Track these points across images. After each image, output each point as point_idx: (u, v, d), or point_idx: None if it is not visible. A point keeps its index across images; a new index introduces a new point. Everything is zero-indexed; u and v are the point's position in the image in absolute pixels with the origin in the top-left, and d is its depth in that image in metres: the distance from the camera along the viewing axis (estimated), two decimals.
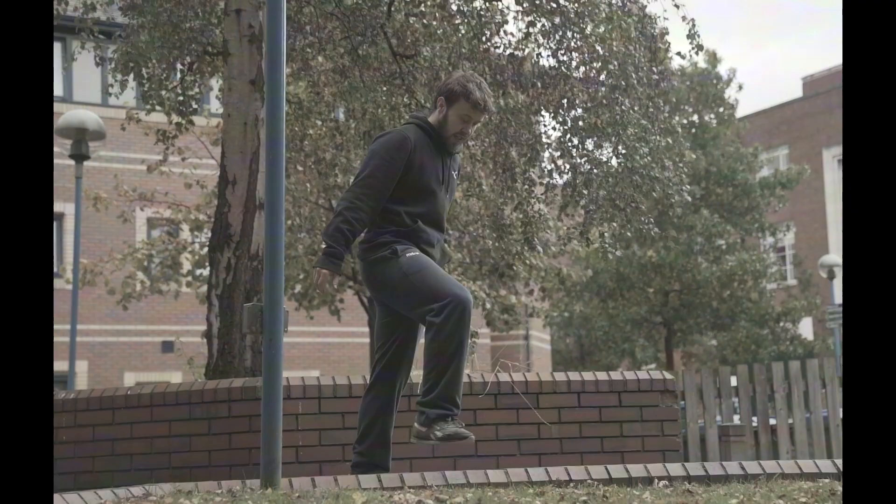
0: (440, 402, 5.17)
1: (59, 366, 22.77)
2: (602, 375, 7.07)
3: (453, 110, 5.48)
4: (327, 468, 6.30)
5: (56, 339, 22.56)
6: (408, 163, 5.42)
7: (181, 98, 11.73)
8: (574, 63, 11.25)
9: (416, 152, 5.45)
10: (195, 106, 12.04)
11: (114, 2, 11.94)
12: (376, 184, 5.40)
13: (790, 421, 9.74)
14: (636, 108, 11.05)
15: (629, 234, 11.93)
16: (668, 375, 7.20)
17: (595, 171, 11.48)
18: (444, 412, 5.15)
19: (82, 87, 23.72)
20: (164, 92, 11.65)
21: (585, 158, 11.58)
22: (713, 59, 30.32)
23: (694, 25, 11.40)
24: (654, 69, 11.54)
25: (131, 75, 11.64)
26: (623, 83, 10.87)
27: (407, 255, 5.36)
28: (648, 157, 11.01)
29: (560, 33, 11.00)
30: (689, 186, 12.73)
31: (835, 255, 34.98)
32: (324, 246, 5.38)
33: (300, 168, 16.06)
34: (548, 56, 11.39)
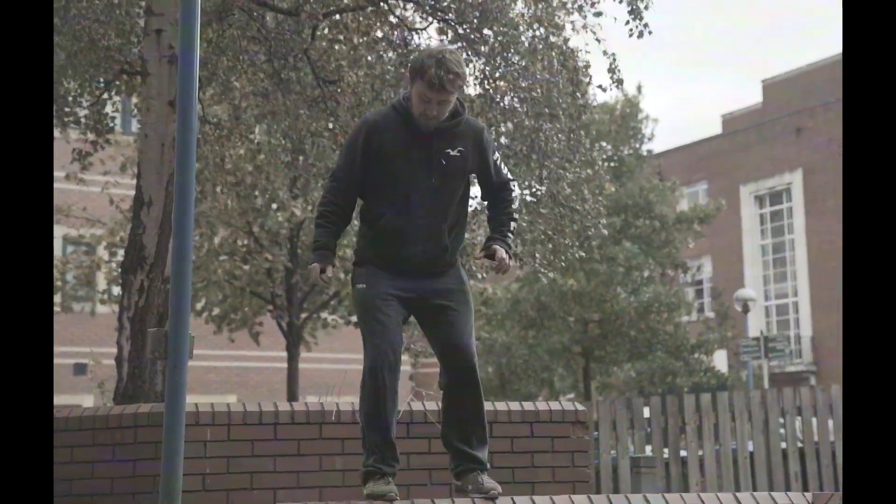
0: (365, 461, 5.19)
1: None
2: (515, 406, 7.05)
3: (414, 89, 5.09)
4: (235, 496, 6.21)
5: None
6: (366, 148, 5.20)
7: (97, 117, 11.62)
8: (499, 94, 11.30)
9: (375, 136, 5.19)
10: (111, 125, 11.92)
11: None
12: (340, 174, 5.31)
13: (700, 453, 9.79)
14: (560, 136, 11.13)
15: (561, 260, 11.94)
16: (579, 406, 7.21)
17: (523, 196, 11.55)
18: (369, 469, 5.15)
19: None
20: (79, 110, 11.53)
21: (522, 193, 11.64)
22: (637, 92, 30.64)
23: (615, 60, 11.52)
24: (578, 98, 11.63)
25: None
26: (547, 110, 10.94)
27: (357, 285, 5.26)
28: (569, 189, 11.09)
29: (484, 62, 11.05)
30: (605, 220, 12.84)
31: (750, 290, 35.46)
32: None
33: (219, 189, 15.92)
34: (475, 84, 11.44)
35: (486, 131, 5.47)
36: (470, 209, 5.97)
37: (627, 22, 11.04)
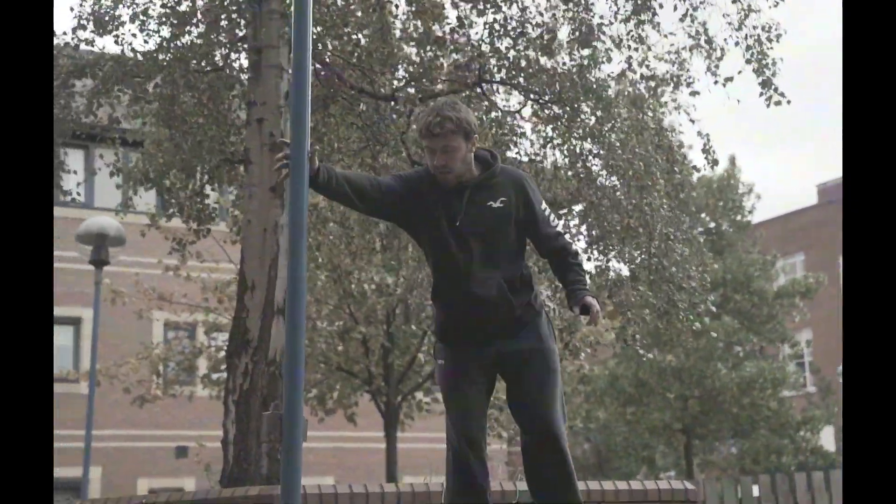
0: None
1: (74, 472, 22.61)
2: (622, 485, 7.00)
3: (424, 146, 5.08)
4: None
5: (71, 444, 22.49)
6: (401, 211, 5.10)
7: (200, 206, 11.83)
8: (596, 168, 11.35)
9: (406, 199, 5.03)
10: (213, 214, 12.14)
11: (137, 115, 12.08)
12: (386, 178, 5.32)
13: None
14: (664, 208, 11.08)
15: (683, 329, 11.77)
16: (689, 485, 7.14)
17: (624, 271, 11.53)
18: None
19: (102, 193, 23.96)
20: (183, 199, 11.76)
21: (613, 260, 11.61)
22: (732, 164, 30.46)
23: (709, 140, 11.50)
24: (676, 174, 11.62)
25: (148, 186, 11.77)
26: (649, 182, 10.92)
27: (438, 360, 5.18)
28: (675, 267, 11.03)
29: (580, 143, 11.11)
30: (712, 297, 12.72)
31: None
32: None
33: (316, 276, 16.13)
34: (565, 159, 11.48)
35: (528, 179, 5.25)
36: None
37: (761, 94, 11.02)
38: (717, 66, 11.23)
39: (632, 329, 11.58)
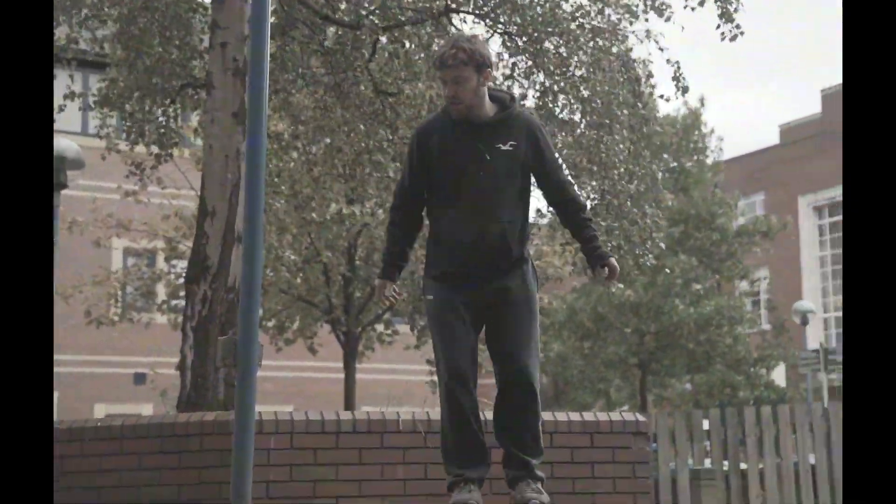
0: (447, 470, 5.22)
1: None
2: (575, 416, 7.04)
3: (439, 77, 5.20)
4: None
5: None
6: (426, 152, 5.15)
7: (162, 131, 11.74)
8: (560, 103, 11.34)
9: (426, 139, 5.15)
10: (175, 139, 12.05)
11: (95, 36, 11.94)
12: (401, 188, 5.34)
13: (761, 466, 9.74)
14: (620, 147, 11.11)
15: (635, 265, 11.88)
16: (641, 417, 7.20)
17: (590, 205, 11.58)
18: (451, 480, 5.18)
19: (60, 114, 23.68)
20: (144, 124, 11.66)
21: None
22: (700, 105, 30.49)
23: (679, 68, 11.52)
24: (639, 109, 11.62)
25: (113, 110, 11.66)
26: (607, 121, 10.94)
27: (426, 296, 5.25)
28: (630, 203, 11.09)
29: (544, 75, 11.08)
30: (662, 234, 12.80)
31: (808, 302, 35.10)
32: None
33: (276, 204, 16.06)
34: (534, 98, 11.46)
35: (540, 127, 5.33)
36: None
37: (718, 26, 11.01)
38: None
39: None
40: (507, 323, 5.11)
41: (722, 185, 31.55)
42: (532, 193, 5.32)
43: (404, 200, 5.27)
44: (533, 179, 5.28)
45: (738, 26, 11.08)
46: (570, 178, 5.31)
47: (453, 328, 5.08)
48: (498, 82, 11.56)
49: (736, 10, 11.00)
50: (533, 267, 5.29)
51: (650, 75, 11.88)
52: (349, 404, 19.14)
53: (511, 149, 5.07)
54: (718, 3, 10.98)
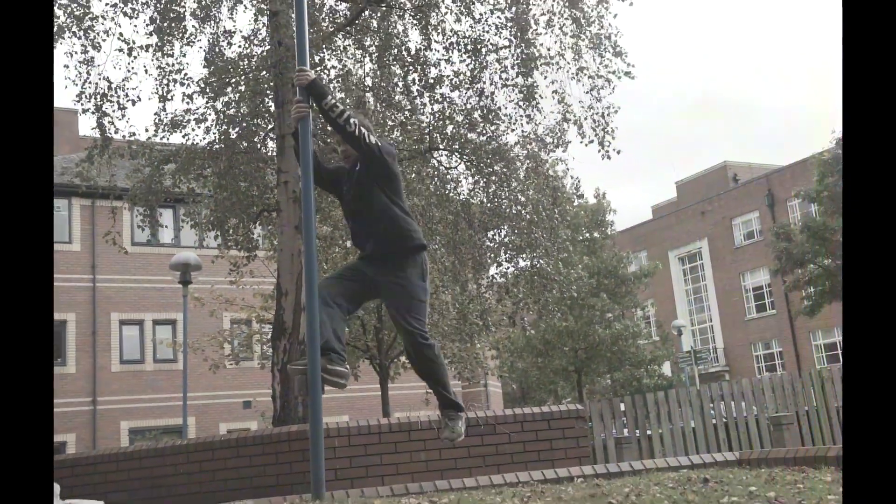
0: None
1: (176, 421, 22.29)
2: (536, 410, 6.98)
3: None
4: (357, 483, 6.16)
5: (174, 403, 22.12)
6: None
7: (250, 240, 11.72)
8: (504, 205, 11.36)
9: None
10: (258, 245, 12.02)
11: (201, 178, 11.95)
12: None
13: (660, 431, 9.61)
14: (544, 235, 11.12)
15: (546, 317, 11.86)
16: (579, 407, 7.12)
17: (518, 276, 11.57)
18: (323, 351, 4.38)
19: (186, 236, 23.71)
20: (238, 237, 11.66)
21: (511, 268, 11.68)
22: (603, 197, 30.54)
23: (579, 182, 11.59)
24: (555, 210, 11.62)
25: (215, 230, 11.67)
26: (535, 218, 10.97)
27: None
28: (550, 267, 11.08)
29: (494, 188, 11.12)
30: (576, 284, 12.82)
31: (681, 320, 35.10)
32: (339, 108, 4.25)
33: None
34: (486, 202, 11.49)
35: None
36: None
37: (599, 150, 11.03)
38: (580, 133, 11.22)
39: (520, 312, 11.70)
40: (390, 298, 4.47)
41: (619, 247, 31.57)
42: None
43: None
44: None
45: (616, 150, 11.02)
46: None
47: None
48: (460, 192, 11.56)
49: (613, 140, 11.00)
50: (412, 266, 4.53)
51: (563, 186, 11.93)
52: (385, 412, 18.89)
53: (359, 176, 4.48)
54: (598, 140, 10.97)
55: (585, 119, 10.90)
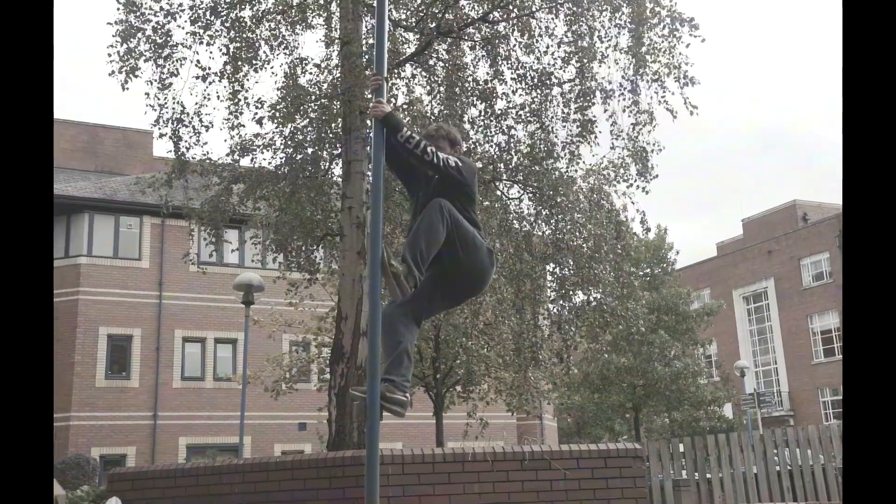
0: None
1: (233, 440, 22.53)
2: (592, 446, 6.86)
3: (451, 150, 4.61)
4: None
5: (231, 422, 22.37)
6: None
7: (311, 263, 11.85)
8: (566, 237, 11.29)
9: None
10: (319, 268, 12.14)
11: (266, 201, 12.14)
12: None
13: (720, 475, 9.36)
14: (607, 269, 11.01)
15: (597, 355, 11.70)
16: (637, 446, 6.98)
17: (578, 310, 11.45)
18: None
19: (250, 255, 24.08)
20: (301, 260, 11.79)
21: (566, 303, 11.59)
22: (665, 231, 30.20)
23: (644, 216, 11.42)
24: (617, 243, 11.52)
25: (279, 251, 11.84)
26: (596, 254, 10.87)
27: None
28: (616, 302, 10.96)
29: (556, 219, 11.06)
30: (642, 320, 12.65)
31: (745, 360, 34.24)
32: None
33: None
34: (550, 234, 11.43)
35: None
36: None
37: (635, 181, 10.92)
38: (643, 169, 11.10)
39: (569, 350, 11.62)
40: None
41: (680, 283, 31.07)
42: None
43: None
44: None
45: (642, 189, 10.93)
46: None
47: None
48: (522, 225, 11.48)
49: (648, 181, 10.93)
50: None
51: (626, 219, 11.82)
52: (439, 441, 18.80)
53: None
54: (639, 171, 10.93)
55: (631, 153, 10.86)
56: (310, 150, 10.73)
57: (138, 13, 10.32)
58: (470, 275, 4.43)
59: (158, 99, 10.51)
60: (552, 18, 10.61)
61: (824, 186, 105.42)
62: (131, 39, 10.22)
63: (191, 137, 10.73)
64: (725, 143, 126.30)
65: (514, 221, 11.27)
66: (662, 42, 10.52)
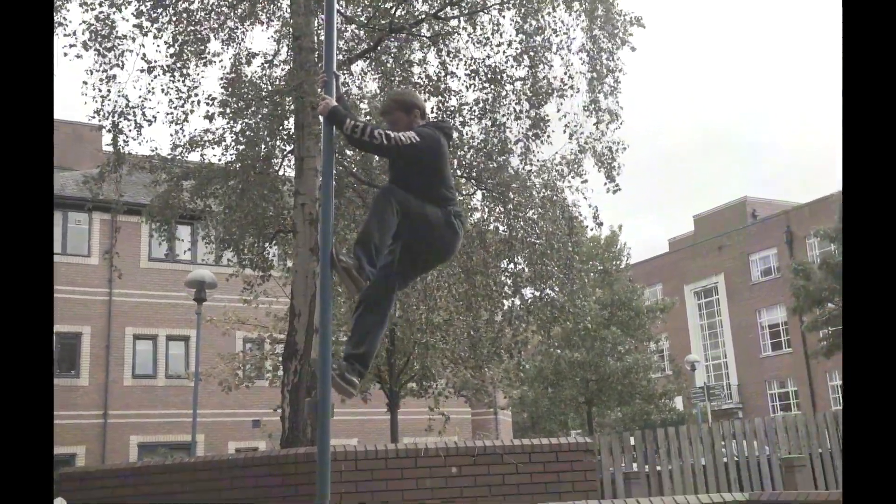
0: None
1: (185, 438, 22.27)
2: (545, 441, 6.93)
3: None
4: None
5: (183, 420, 22.09)
6: None
7: (264, 261, 11.76)
8: (519, 234, 11.35)
9: None
10: (272, 265, 12.06)
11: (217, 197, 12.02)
12: None
13: (670, 467, 9.52)
14: (557, 267, 11.11)
15: (550, 349, 11.88)
16: (588, 440, 7.07)
17: (529, 305, 11.54)
18: None
19: (202, 252, 23.79)
20: (253, 257, 11.69)
21: (518, 300, 11.67)
22: (617, 230, 30.50)
23: (597, 210, 11.55)
24: (570, 240, 11.62)
25: (231, 248, 11.71)
26: (549, 251, 10.96)
27: None
28: (564, 298, 11.06)
29: (511, 217, 11.13)
30: (590, 316, 12.80)
31: (695, 354, 34.82)
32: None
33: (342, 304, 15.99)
34: (504, 230, 11.49)
35: None
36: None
37: (605, 184, 11.09)
38: (599, 165, 11.29)
39: (519, 345, 11.74)
40: None
41: (633, 279, 31.46)
42: None
43: None
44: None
45: (617, 185, 11.12)
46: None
47: None
48: (479, 218, 11.55)
49: (618, 175, 11.13)
50: None
51: (579, 215, 11.95)
52: (393, 437, 18.79)
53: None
54: (605, 174, 11.11)
55: (594, 152, 11.01)
56: (262, 147, 10.65)
57: (82, 3, 10.11)
58: (433, 249, 4.34)
59: (100, 90, 10.30)
60: (501, 17, 10.67)
61: (769, 185, 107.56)
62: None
63: (131, 131, 10.54)
64: (675, 143, 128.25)
65: (469, 218, 11.31)
66: (608, 41, 10.68)
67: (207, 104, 10.46)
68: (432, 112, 10.65)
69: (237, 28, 10.68)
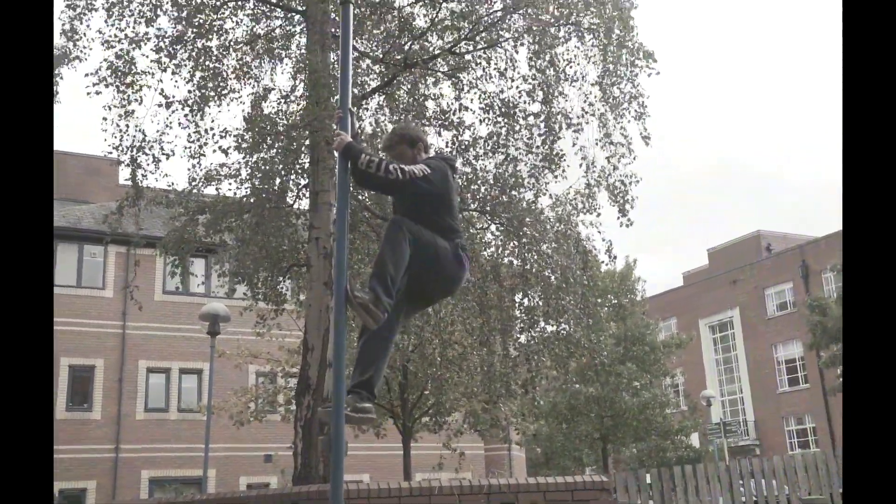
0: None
1: (196, 472, 22.13)
2: (560, 479, 6.83)
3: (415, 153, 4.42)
4: None
5: (195, 454, 21.96)
6: None
7: (278, 294, 11.74)
8: (533, 268, 11.30)
9: None
10: (286, 299, 12.04)
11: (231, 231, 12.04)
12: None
13: None
14: (572, 302, 11.03)
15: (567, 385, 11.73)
16: (604, 478, 6.96)
17: (544, 340, 11.45)
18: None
19: (216, 286, 23.81)
20: (266, 290, 11.68)
21: (535, 334, 11.56)
22: (632, 263, 30.34)
23: (611, 244, 11.49)
24: (584, 273, 11.56)
25: (244, 282, 11.72)
26: (564, 285, 10.89)
27: None
28: (580, 333, 10.98)
29: (525, 251, 11.09)
30: (606, 351, 12.68)
31: (710, 390, 34.45)
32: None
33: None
34: (518, 265, 11.44)
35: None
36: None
37: (618, 218, 11.05)
38: (612, 199, 11.25)
39: (536, 381, 11.61)
40: None
41: (647, 313, 31.26)
42: None
43: None
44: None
45: (630, 220, 11.07)
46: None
47: None
48: (490, 252, 11.49)
49: (631, 209, 11.09)
50: None
51: (593, 248, 11.89)
52: (406, 473, 18.60)
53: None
54: (618, 207, 11.07)
55: (607, 186, 10.98)
56: (277, 181, 10.68)
57: (104, 42, 10.27)
58: (440, 279, 4.29)
59: (118, 126, 10.42)
60: (515, 51, 10.74)
61: (784, 220, 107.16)
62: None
63: (149, 165, 10.63)
64: (688, 176, 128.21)
65: (482, 252, 11.28)
66: (624, 72, 10.72)
67: (221, 136, 10.53)
68: (447, 146, 10.67)
69: (256, 65, 10.79)
